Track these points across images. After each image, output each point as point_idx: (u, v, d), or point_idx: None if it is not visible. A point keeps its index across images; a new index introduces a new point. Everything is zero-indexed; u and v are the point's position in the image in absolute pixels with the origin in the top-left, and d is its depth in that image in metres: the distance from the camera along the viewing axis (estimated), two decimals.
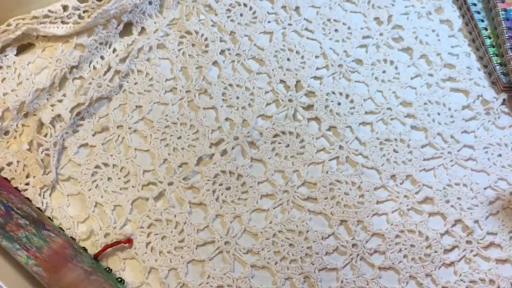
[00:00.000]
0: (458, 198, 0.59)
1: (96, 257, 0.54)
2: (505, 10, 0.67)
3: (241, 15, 0.70)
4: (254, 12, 0.70)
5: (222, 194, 0.59)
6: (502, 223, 0.58)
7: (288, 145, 0.62)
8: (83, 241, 0.56)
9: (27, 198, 0.56)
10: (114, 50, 0.66)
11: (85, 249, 0.55)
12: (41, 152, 0.58)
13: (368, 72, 0.66)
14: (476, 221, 0.58)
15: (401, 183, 0.60)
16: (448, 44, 0.68)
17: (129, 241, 0.56)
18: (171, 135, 0.61)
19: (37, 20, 0.62)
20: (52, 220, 0.56)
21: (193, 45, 0.68)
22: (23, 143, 0.59)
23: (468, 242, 0.57)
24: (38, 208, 0.56)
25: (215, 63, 0.67)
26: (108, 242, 0.55)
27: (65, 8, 0.63)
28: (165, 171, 0.60)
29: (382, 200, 0.59)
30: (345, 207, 0.58)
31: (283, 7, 0.71)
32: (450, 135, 0.62)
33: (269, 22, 0.70)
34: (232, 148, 0.61)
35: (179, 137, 0.61)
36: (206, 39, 0.68)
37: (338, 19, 0.70)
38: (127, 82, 0.65)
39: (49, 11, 0.62)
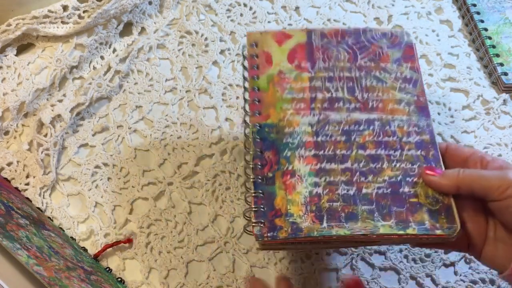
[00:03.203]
0: None
1: (96, 257, 0.54)
2: None
3: (241, 15, 0.70)
4: (254, 12, 0.70)
5: (222, 194, 0.59)
6: None
7: None
8: (83, 241, 0.56)
9: (27, 198, 0.56)
10: (114, 50, 0.66)
11: (85, 249, 0.55)
12: (41, 152, 0.58)
13: None
14: None
15: None
16: (448, 44, 0.68)
17: (129, 241, 0.56)
18: (171, 135, 0.61)
19: (37, 20, 0.62)
20: (52, 220, 0.56)
21: (193, 45, 0.68)
22: (23, 143, 0.59)
23: None
24: (38, 208, 0.56)
25: (215, 63, 0.67)
26: (108, 242, 0.55)
27: (65, 8, 0.63)
28: (165, 171, 0.60)
29: None
30: None
31: (283, 7, 0.71)
32: (450, 135, 0.62)
33: (269, 22, 0.70)
34: (232, 148, 0.61)
35: (179, 137, 0.61)
36: (206, 39, 0.68)
37: (338, 19, 0.70)
38: (127, 82, 0.65)
39: (49, 11, 0.62)
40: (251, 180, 0.49)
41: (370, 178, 0.49)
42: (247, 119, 0.53)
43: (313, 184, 0.49)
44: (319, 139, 0.51)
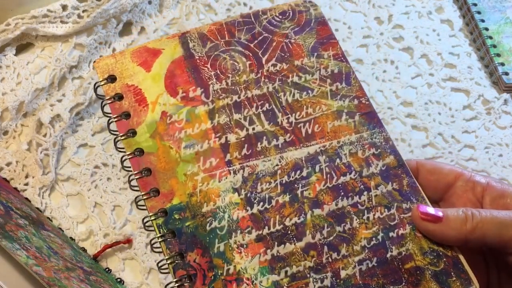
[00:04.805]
0: None
1: (96, 258, 0.54)
2: None
3: None
4: None
5: None
6: None
7: None
8: (82, 241, 0.56)
9: (26, 198, 0.56)
10: (114, 50, 0.65)
11: (84, 250, 0.55)
12: (40, 152, 0.58)
13: (368, 71, 0.66)
14: None
15: None
16: (449, 44, 0.68)
17: (128, 241, 0.55)
18: None
19: (36, 19, 0.62)
20: (51, 221, 0.56)
21: None
22: (22, 143, 0.59)
23: None
24: (37, 208, 0.56)
25: None
26: (107, 242, 0.55)
27: (64, 7, 0.63)
28: None
29: None
30: None
31: None
32: (451, 135, 0.62)
33: None
34: None
35: None
36: None
37: (339, 18, 0.69)
38: None
39: (48, 10, 0.62)
40: None
41: (343, 250, 0.35)
42: (142, 203, 0.36)
43: (273, 286, 0.33)
44: (255, 209, 0.35)
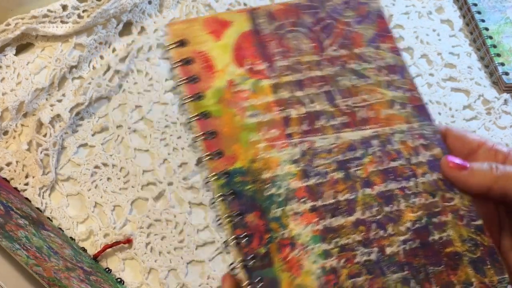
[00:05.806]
0: None
1: (96, 258, 0.54)
2: None
3: None
4: None
5: None
6: None
7: None
8: (82, 241, 0.56)
9: (27, 198, 0.56)
10: (114, 50, 0.65)
11: (84, 250, 0.55)
12: (40, 152, 0.58)
13: None
14: None
15: None
16: (449, 44, 0.68)
17: (128, 241, 0.55)
18: (171, 135, 0.61)
19: (36, 19, 0.62)
20: (51, 221, 0.56)
21: None
22: (22, 143, 0.59)
23: None
24: (38, 208, 0.56)
25: None
26: (107, 242, 0.55)
27: (64, 7, 0.63)
28: (165, 171, 0.59)
29: None
30: None
31: None
32: None
33: None
34: None
35: (179, 137, 0.61)
36: None
37: None
38: (127, 82, 0.64)
39: (48, 10, 0.62)
40: (240, 264, 0.35)
41: (390, 229, 0.37)
42: (206, 163, 0.37)
43: (324, 254, 0.35)
44: (311, 182, 0.37)
